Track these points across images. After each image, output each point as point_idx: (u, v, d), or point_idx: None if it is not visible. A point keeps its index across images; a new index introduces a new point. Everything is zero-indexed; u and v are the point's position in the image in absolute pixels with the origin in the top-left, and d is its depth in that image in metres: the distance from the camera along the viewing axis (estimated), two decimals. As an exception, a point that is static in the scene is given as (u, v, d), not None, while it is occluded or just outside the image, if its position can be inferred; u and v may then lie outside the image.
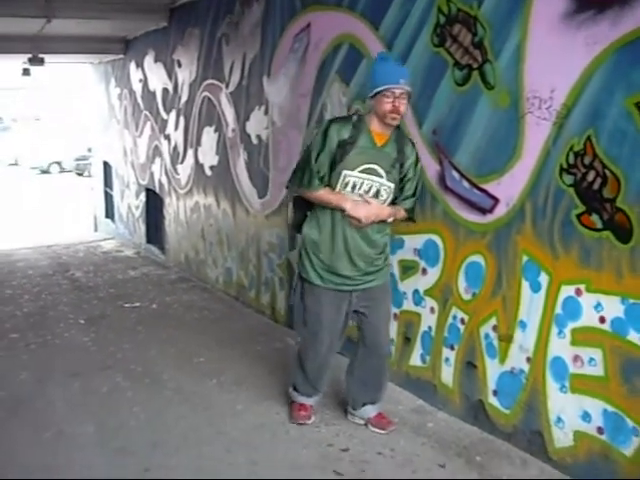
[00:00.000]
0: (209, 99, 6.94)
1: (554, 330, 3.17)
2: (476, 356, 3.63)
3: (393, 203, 3.49)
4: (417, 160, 3.51)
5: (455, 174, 3.67)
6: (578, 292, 3.04)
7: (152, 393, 4.32)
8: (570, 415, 3.14)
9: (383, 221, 3.48)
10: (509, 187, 3.35)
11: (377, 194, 3.41)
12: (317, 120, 4.93)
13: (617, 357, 2.91)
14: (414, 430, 3.74)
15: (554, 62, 3.04)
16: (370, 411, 3.78)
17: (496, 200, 3.43)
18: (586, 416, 3.07)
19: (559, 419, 3.20)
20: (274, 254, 5.75)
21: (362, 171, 3.38)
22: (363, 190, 3.40)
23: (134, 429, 3.79)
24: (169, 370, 4.70)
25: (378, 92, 3.31)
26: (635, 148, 2.75)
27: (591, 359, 3.02)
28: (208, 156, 7.04)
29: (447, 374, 3.86)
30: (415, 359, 4.10)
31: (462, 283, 3.70)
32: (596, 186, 2.91)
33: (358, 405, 3.79)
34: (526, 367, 3.35)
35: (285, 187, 3.84)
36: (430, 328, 3.96)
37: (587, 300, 3.00)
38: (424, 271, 3.97)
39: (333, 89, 4.73)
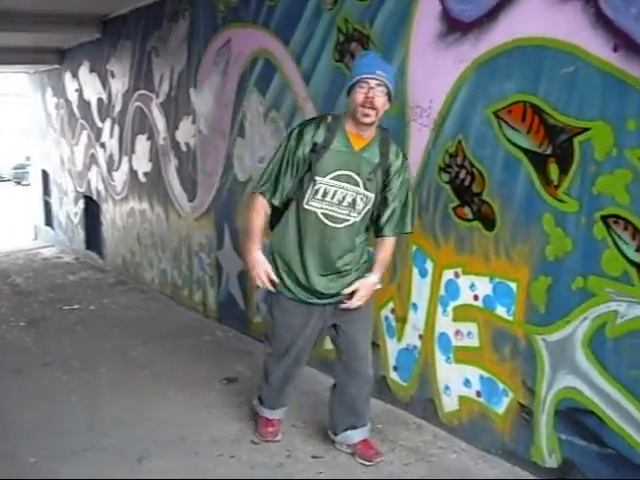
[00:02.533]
0: (141, 109, 7.27)
1: (439, 309, 3.63)
2: (378, 337, 4.07)
3: (377, 217, 3.23)
4: (403, 167, 3.18)
5: (355, 175, 4.10)
6: (456, 275, 3.51)
7: (89, 384, 4.64)
8: (455, 383, 3.61)
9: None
10: (399, 186, 3.81)
11: (353, 204, 3.11)
12: (238, 128, 5.34)
13: (489, 329, 3.39)
14: (327, 406, 4.15)
15: (431, 76, 3.51)
16: (353, 437, 3.49)
17: (389, 197, 3.88)
18: (467, 382, 3.53)
19: (446, 387, 3.66)
20: (204, 254, 6.12)
21: (335, 178, 3.08)
22: (337, 199, 3.10)
23: (71, 414, 4.11)
24: (105, 364, 5.03)
25: (352, 85, 3.02)
26: (494, 149, 3.24)
27: (469, 332, 3.49)
28: (142, 163, 7.37)
29: (356, 355, 4.29)
30: (329, 343, 4.51)
31: (365, 272, 4.14)
32: (467, 182, 3.39)
33: (339, 430, 3.52)
34: (419, 343, 3.81)
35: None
36: (340, 314, 4.39)
37: (464, 281, 3.46)
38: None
39: (251, 100, 5.14)
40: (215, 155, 5.73)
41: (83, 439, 3.78)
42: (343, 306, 3.23)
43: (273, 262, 3.29)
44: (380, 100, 2.99)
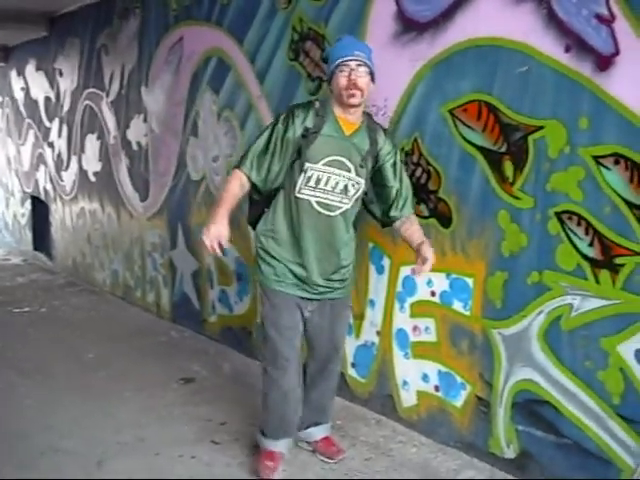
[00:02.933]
0: (91, 107, 7.17)
1: (397, 305, 3.68)
2: (336, 334, 4.10)
3: (388, 207, 3.18)
4: (394, 150, 3.15)
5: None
6: (413, 271, 3.54)
7: (44, 386, 4.56)
8: (413, 378, 3.66)
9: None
10: (356, 184, 3.85)
11: (345, 190, 3.03)
12: (191, 127, 5.31)
13: (446, 324, 3.44)
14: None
15: (387, 76, 3.52)
16: (315, 434, 3.47)
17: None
18: (425, 377, 3.58)
19: (405, 382, 3.71)
20: (157, 254, 6.08)
21: (327, 164, 2.98)
22: (330, 186, 3.00)
23: (28, 417, 4.04)
24: (60, 366, 4.96)
25: (333, 70, 2.97)
26: (450, 147, 3.29)
27: (426, 328, 3.54)
28: (92, 163, 7.27)
29: (313, 352, 4.32)
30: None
31: (322, 270, 4.16)
32: (423, 180, 3.44)
33: (301, 427, 3.43)
34: (376, 340, 3.85)
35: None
36: (297, 312, 4.41)
37: (421, 278, 3.51)
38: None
39: (205, 98, 5.12)
40: (167, 154, 5.69)
41: (40, 442, 3.72)
42: (412, 270, 3.15)
43: (261, 254, 3.15)
44: (364, 80, 2.92)
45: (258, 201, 3.19)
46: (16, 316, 6.49)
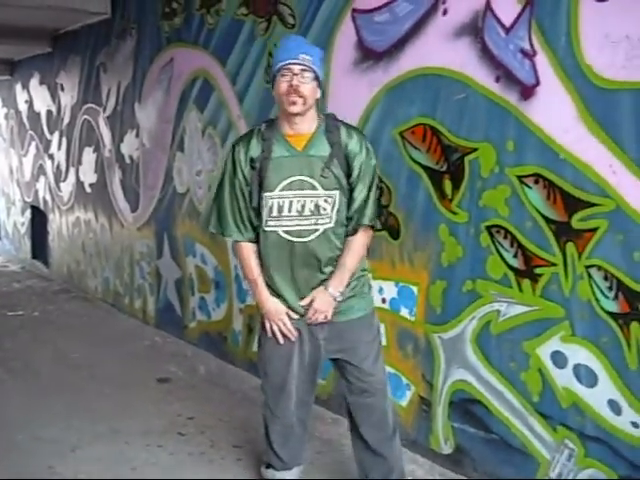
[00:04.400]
0: (89, 122, 7.50)
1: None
2: (300, 338, 4.38)
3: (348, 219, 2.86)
4: (361, 146, 2.80)
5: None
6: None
7: (30, 383, 4.88)
8: (366, 379, 3.93)
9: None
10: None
11: (317, 210, 2.76)
12: (178, 142, 5.63)
13: (394, 329, 3.72)
14: (252, 403, 4.41)
15: (348, 99, 3.85)
16: None
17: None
18: (376, 379, 3.86)
19: (358, 383, 3.98)
20: (145, 262, 6.38)
21: (284, 188, 2.74)
22: (295, 210, 2.75)
23: (13, 409, 4.36)
24: (47, 365, 5.27)
25: (274, 75, 2.75)
26: (399, 167, 3.59)
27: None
28: (88, 174, 7.59)
29: (280, 356, 4.59)
30: (256, 345, 4.81)
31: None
32: (378, 195, 3.73)
33: (363, 474, 3.10)
34: (335, 344, 4.13)
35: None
36: (267, 318, 4.69)
37: (373, 286, 3.77)
38: (261, 270, 4.70)
39: (191, 116, 5.44)
40: (156, 168, 6.01)
41: (22, 431, 4.01)
42: (309, 321, 2.87)
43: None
44: (307, 87, 2.67)
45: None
46: (9, 318, 6.80)
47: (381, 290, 3.76)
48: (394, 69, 3.59)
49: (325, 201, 2.77)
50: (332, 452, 3.76)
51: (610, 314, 2.74)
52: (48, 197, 8.83)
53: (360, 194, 2.82)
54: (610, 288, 2.72)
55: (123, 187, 6.74)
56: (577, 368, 2.88)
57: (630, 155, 2.62)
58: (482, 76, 3.13)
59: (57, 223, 8.61)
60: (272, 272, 2.87)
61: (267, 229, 2.83)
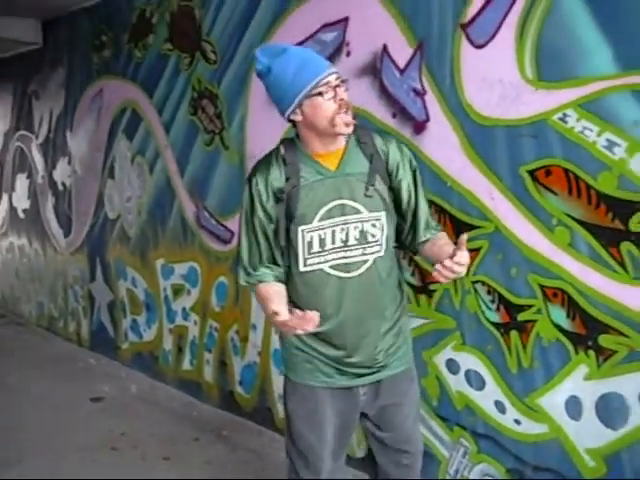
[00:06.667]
0: (22, 148, 7.64)
1: (273, 329, 4.23)
2: (226, 355, 4.64)
3: (414, 230, 2.41)
4: (401, 152, 2.37)
5: (206, 214, 4.70)
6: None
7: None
8: (286, 392, 4.21)
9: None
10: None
11: (364, 237, 2.28)
12: (108, 170, 5.85)
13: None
14: (181, 418, 4.68)
15: (263, 130, 4.15)
16: None
17: (232, 233, 4.47)
18: (296, 391, 4.14)
19: (279, 396, 4.25)
20: (78, 286, 6.55)
21: (324, 217, 2.26)
22: (339, 241, 2.26)
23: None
24: (-18, 389, 5.43)
25: (306, 96, 2.20)
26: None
27: (296, 347, 4.10)
28: (21, 200, 7.72)
29: (208, 373, 4.83)
30: (186, 364, 5.06)
31: (214, 299, 4.70)
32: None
33: None
34: (258, 359, 4.39)
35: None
36: (195, 337, 4.93)
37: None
38: (189, 292, 4.96)
39: (121, 145, 5.67)
40: (88, 194, 6.21)
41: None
42: (435, 273, 2.10)
43: (284, 339, 2.51)
44: (347, 97, 2.26)
45: None
46: (-58, 345, 6.88)
47: (298, 308, 4.04)
48: (305, 104, 3.90)
49: (372, 226, 2.29)
50: (256, 461, 4.02)
51: (493, 324, 3.09)
52: (-19, 223, 8.90)
53: (423, 205, 2.41)
54: (493, 301, 3.08)
55: (56, 213, 6.90)
56: (468, 373, 3.22)
57: (505, 183, 2.98)
58: (381, 112, 3.46)
59: (-9, 249, 8.68)
60: (323, 320, 2.22)
61: (307, 269, 2.30)
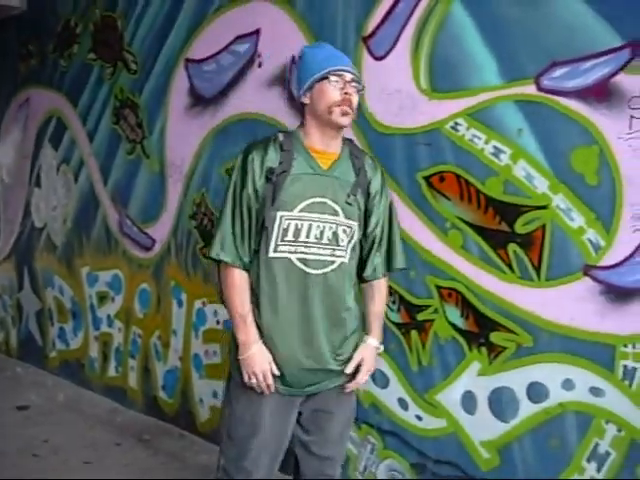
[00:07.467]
0: (-50, 158, 7.57)
1: (192, 334, 4.31)
2: (149, 361, 4.69)
3: (362, 260, 2.50)
4: (384, 182, 2.50)
5: (128, 221, 4.76)
6: (204, 304, 4.21)
7: None
8: (206, 395, 4.28)
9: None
10: (161, 230, 4.49)
11: (335, 239, 2.34)
12: (35, 178, 5.85)
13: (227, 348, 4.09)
14: (105, 424, 4.69)
15: (183, 140, 4.23)
16: None
17: (154, 240, 4.54)
18: (215, 394, 4.20)
19: (201, 399, 4.32)
20: (7, 296, 6.51)
21: (305, 209, 2.30)
22: (313, 236, 2.30)
23: None
24: None
25: (317, 80, 2.30)
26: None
27: (214, 352, 4.19)
28: (-50, 210, 7.65)
29: (132, 379, 4.88)
30: (112, 371, 5.09)
31: (137, 306, 4.76)
32: (209, 227, 4.12)
33: None
34: (179, 364, 4.46)
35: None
36: (120, 344, 4.97)
37: (209, 309, 4.17)
38: (113, 299, 5.00)
39: (47, 153, 5.69)
40: (16, 203, 6.19)
41: None
42: (348, 390, 2.48)
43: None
44: (355, 99, 2.34)
45: None
46: None
47: (216, 313, 4.13)
48: (220, 114, 4.01)
49: (343, 231, 2.36)
50: (174, 462, 4.08)
51: (395, 324, 3.22)
52: None
53: (381, 235, 2.50)
54: (394, 302, 3.21)
55: (-16, 222, 6.86)
56: (374, 372, 3.33)
57: (404, 189, 3.12)
58: (290, 121, 3.57)
59: None
60: (270, 311, 2.33)
61: (274, 255, 2.31)
